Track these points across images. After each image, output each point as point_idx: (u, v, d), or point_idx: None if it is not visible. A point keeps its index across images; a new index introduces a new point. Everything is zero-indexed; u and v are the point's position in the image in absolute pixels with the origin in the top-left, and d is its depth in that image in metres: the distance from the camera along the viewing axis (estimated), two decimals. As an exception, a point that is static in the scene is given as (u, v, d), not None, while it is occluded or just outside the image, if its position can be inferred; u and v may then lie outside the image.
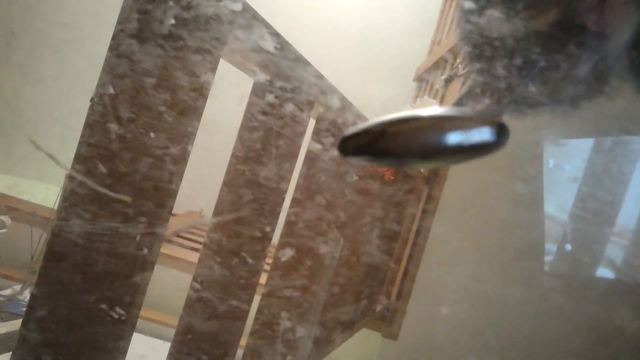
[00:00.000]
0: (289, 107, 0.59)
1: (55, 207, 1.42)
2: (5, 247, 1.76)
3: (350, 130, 0.33)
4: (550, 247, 1.54)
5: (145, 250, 0.55)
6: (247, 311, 0.74)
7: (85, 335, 0.53)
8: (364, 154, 0.33)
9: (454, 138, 0.32)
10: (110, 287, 0.53)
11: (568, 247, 1.52)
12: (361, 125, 0.33)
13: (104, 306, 0.54)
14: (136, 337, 0.58)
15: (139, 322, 0.58)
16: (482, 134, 0.32)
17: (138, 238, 0.54)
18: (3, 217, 1.59)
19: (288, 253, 0.80)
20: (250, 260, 0.71)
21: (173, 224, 1.90)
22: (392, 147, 0.32)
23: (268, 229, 0.70)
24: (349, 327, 1.25)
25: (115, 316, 0.54)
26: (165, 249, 1.68)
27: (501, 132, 0.32)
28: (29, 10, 2.21)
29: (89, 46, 2.14)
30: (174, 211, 0.58)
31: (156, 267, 0.57)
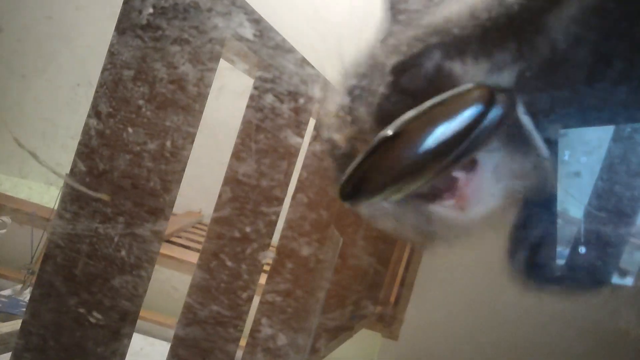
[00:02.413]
0: (269, 99, 0.60)
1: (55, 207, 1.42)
2: (4, 247, 1.75)
3: (345, 172, 0.33)
4: (562, 250, 1.54)
5: (124, 252, 0.55)
6: (231, 317, 0.74)
7: (67, 341, 0.53)
8: (370, 191, 0.32)
9: (444, 130, 0.31)
10: (88, 290, 0.54)
11: (582, 249, 1.51)
12: (353, 163, 0.32)
13: (82, 310, 0.54)
14: (134, 336, 0.58)
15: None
16: (472, 108, 0.31)
17: (116, 239, 0.54)
18: (4, 218, 1.59)
19: (282, 256, 0.80)
20: (229, 263, 0.72)
21: (171, 224, 1.90)
22: (396, 163, 0.31)
23: (248, 229, 0.70)
24: (346, 330, 1.25)
25: (93, 321, 0.54)
26: (163, 248, 1.67)
27: (493, 96, 0.31)
28: (15, 4, 2.20)
29: (72, 40, 2.14)
30: (173, 211, 0.58)
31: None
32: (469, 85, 0.32)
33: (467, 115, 0.31)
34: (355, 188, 0.33)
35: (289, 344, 0.90)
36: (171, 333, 0.72)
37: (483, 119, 0.31)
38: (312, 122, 0.73)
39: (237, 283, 0.74)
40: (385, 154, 0.32)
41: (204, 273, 0.71)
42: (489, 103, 0.31)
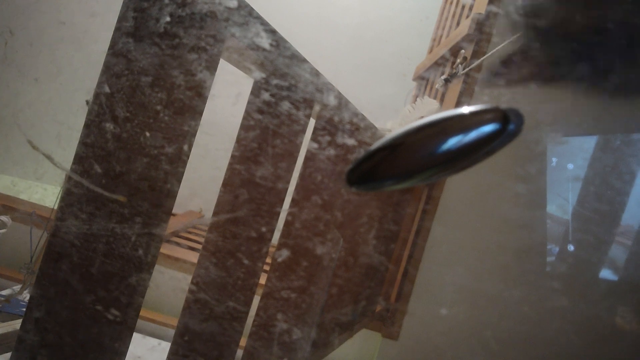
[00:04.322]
0: (285, 106, 0.59)
1: (55, 207, 1.43)
2: (4, 247, 1.76)
3: (355, 159, 0.34)
4: (553, 247, 1.56)
5: (141, 251, 0.55)
6: (245, 312, 0.74)
7: (83, 337, 0.53)
8: (373, 179, 0.34)
9: (457, 141, 0.32)
10: (105, 288, 0.54)
11: (570, 247, 1.53)
12: (364, 152, 0.33)
13: (99, 307, 0.54)
14: (134, 337, 0.58)
15: (138, 322, 0.58)
16: (489, 126, 0.32)
17: (134, 238, 0.54)
18: (3, 217, 1.59)
19: (284, 254, 0.80)
20: (246, 261, 0.71)
21: (172, 224, 1.90)
22: (402, 162, 0.33)
23: (264, 229, 0.70)
24: (348, 328, 1.25)
25: (111, 317, 0.54)
26: (164, 249, 1.68)
27: (507, 118, 0.32)
28: (27, 9, 2.21)
29: (86, 46, 2.15)
30: (173, 211, 0.58)
31: (155, 267, 0.57)
32: (487, 106, 0.33)
33: (482, 131, 0.32)
34: (362, 177, 0.34)
35: (304, 337, 0.90)
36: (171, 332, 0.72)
37: (496, 138, 0.32)
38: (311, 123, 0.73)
39: (253, 280, 0.74)
40: (396, 152, 0.33)
41: (221, 271, 0.71)
42: (505, 124, 0.32)
